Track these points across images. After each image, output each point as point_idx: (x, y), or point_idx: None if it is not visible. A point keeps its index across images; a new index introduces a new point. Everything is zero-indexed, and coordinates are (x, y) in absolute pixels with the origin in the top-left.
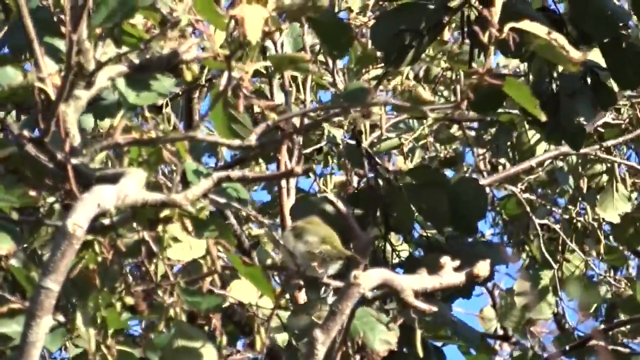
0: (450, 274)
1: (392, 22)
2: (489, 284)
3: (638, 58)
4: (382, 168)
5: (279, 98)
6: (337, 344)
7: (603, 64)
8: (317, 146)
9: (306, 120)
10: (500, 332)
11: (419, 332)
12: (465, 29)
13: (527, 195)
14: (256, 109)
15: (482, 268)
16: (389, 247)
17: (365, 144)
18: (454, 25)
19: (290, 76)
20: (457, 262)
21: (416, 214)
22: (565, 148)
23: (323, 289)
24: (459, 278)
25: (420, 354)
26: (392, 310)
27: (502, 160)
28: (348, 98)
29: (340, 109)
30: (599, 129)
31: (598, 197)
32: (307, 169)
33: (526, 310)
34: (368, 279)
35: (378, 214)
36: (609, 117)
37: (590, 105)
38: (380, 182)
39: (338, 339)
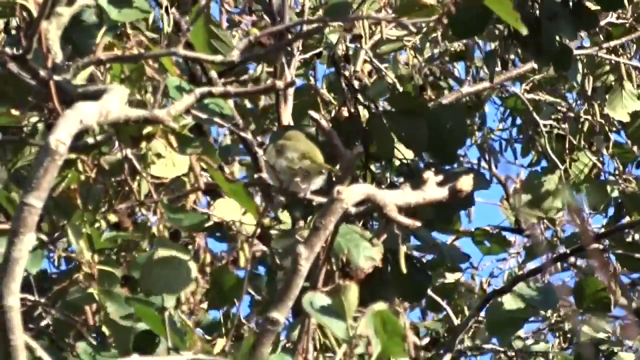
0: (433, 189)
1: None
2: (502, 177)
3: None
4: (362, 95)
5: (277, 1)
6: (321, 261)
7: None
8: (316, 51)
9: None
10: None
11: (402, 248)
12: None
13: (531, 95)
14: None
15: (465, 182)
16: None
17: (365, 47)
18: None
19: None
20: (440, 177)
21: (396, 141)
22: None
23: (309, 206)
24: (442, 193)
25: (404, 270)
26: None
27: (512, 57)
28: (329, 12)
29: (321, 23)
30: (606, 27)
31: (607, 96)
32: (290, 83)
33: (537, 206)
34: (351, 194)
35: (358, 142)
36: (613, 17)
37: (571, 27)
38: (361, 109)
39: (322, 255)
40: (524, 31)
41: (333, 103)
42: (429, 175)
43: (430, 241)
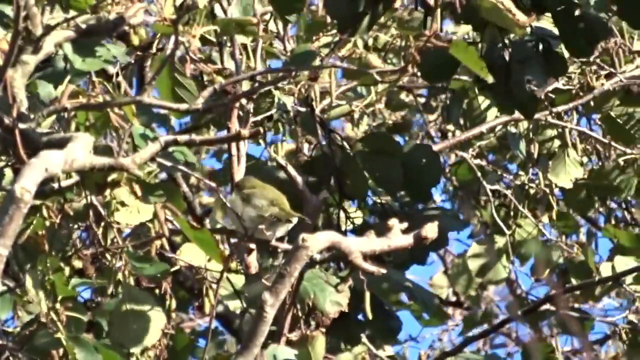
0: (398, 236)
1: None
2: (441, 251)
3: (590, 26)
4: (335, 135)
5: (230, 66)
6: (287, 307)
7: (556, 32)
8: (268, 114)
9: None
10: (453, 298)
11: (367, 294)
12: None
13: (477, 161)
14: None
15: (430, 230)
16: (343, 215)
17: (316, 110)
18: None
19: (241, 44)
20: (405, 225)
21: (370, 181)
22: (516, 114)
23: (274, 252)
24: (407, 240)
25: (370, 316)
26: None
27: (451, 127)
28: (295, 61)
29: (287, 72)
30: (549, 94)
31: (550, 162)
32: (255, 132)
33: (480, 275)
34: (316, 241)
35: (332, 181)
36: (559, 83)
37: (541, 72)
38: (334, 149)
39: (288, 301)
40: (490, 79)
41: (283, 167)
42: (393, 222)
43: (402, 282)
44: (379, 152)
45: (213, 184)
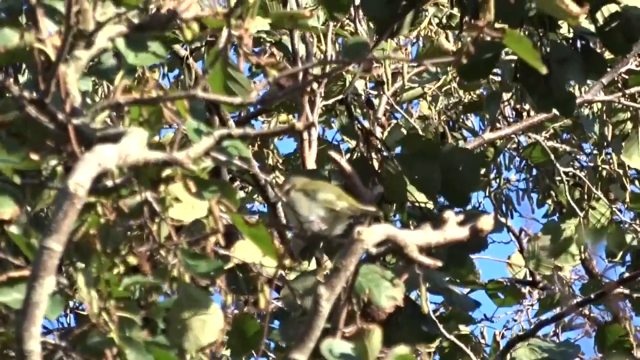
0: (454, 229)
1: None
2: (517, 230)
3: (628, 23)
4: (375, 139)
5: (301, 49)
6: (342, 302)
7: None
8: (339, 97)
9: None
10: (529, 278)
11: (424, 288)
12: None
13: (551, 143)
14: None
15: (485, 222)
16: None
17: (388, 93)
18: None
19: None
20: (461, 217)
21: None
22: (588, 96)
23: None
24: (463, 232)
25: (425, 310)
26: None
27: (527, 107)
28: (348, 53)
29: (341, 64)
30: (623, 75)
31: (623, 144)
32: (309, 124)
33: (553, 256)
34: (372, 234)
35: (371, 185)
36: (632, 64)
37: (580, 71)
38: (373, 153)
39: (343, 296)
40: (544, 70)
41: (336, 161)
42: (449, 214)
43: (442, 284)
44: (418, 155)
45: (268, 177)
